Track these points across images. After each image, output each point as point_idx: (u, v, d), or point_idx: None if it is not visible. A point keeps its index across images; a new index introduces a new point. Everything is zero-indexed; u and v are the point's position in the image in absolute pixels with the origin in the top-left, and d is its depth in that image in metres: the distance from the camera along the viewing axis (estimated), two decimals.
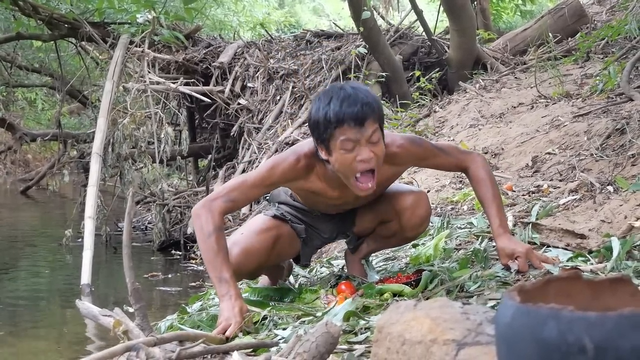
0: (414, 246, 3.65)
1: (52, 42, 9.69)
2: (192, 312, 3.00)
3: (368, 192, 2.73)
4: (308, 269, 3.68)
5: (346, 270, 3.40)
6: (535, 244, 3.14)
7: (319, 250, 3.64)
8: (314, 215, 3.24)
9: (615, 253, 2.64)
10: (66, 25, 8.85)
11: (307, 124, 3.27)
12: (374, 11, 8.79)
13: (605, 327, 1.12)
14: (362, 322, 2.46)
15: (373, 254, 3.52)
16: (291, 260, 3.40)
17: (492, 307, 2.31)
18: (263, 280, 3.44)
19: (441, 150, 3.02)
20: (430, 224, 4.13)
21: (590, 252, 2.86)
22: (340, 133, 2.61)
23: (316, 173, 2.86)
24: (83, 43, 9.50)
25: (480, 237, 3.45)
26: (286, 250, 3.20)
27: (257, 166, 7.46)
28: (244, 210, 7.10)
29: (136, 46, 7.97)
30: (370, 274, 3.26)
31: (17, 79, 14.09)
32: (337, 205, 3.07)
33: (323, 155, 2.72)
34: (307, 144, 2.89)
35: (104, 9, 8.53)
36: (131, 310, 2.50)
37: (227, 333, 2.50)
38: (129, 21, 8.39)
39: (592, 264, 2.71)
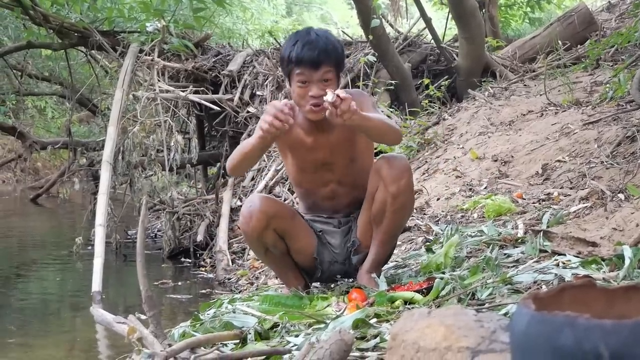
0: (428, 250, 3.66)
1: (62, 50, 9.72)
2: (205, 319, 3.01)
3: (318, 115, 3.14)
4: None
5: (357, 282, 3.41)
6: (547, 252, 3.15)
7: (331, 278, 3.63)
8: (321, 223, 3.48)
9: (627, 261, 2.64)
10: (76, 34, 8.86)
11: None
12: (383, 19, 8.80)
13: (621, 334, 1.12)
14: (371, 329, 2.47)
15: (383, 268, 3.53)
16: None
17: (505, 314, 2.31)
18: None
19: None
20: (441, 231, 4.15)
21: (602, 260, 2.85)
22: (298, 71, 3.13)
23: (295, 121, 3.20)
24: (93, 52, 9.52)
25: (491, 245, 3.45)
26: (304, 237, 3.41)
27: (266, 173, 7.52)
28: None
29: (146, 55, 7.99)
30: (381, 284, 3.27)
31: (27, 88, 14.16)
32: (319, 161, 3.35)
33: (288, 85, 3.27)
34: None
35: (114, 18, 8.56)
36: (144, 317, 2.52)
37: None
38: (139, 30, 8.40)
39: (604, 272, 2.71)
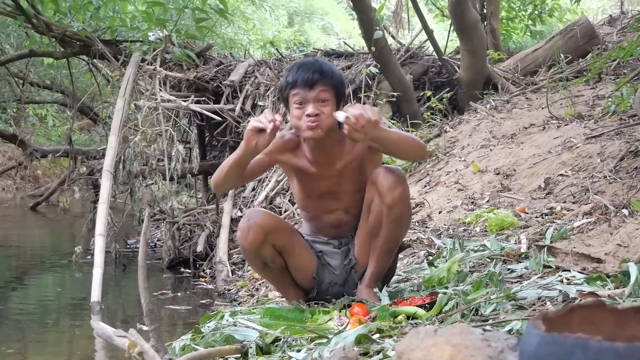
0: (430, 264, 3.62)
1: (64, 59, 9.72)
2: (206, 332, 2.98)
3: (315, 133, 3.13)
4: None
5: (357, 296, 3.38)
6: (550, 267, 3.12)
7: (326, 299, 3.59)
8: (322, 244, 3.50)
9: (632, 278, 2.61)
10: (78, 43, 8.87)
11: None
12: (385, 31, 8.79)
13: (633, 357, 1.10)
14: (374, 345, 2.44)
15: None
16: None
17: (509, 331, 2.29)
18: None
19: None
20: (443, 244, 4.12)
21: (607, 276, 2.83)
22: (294, 92, 3.17)
23: (301, 150, 3.34)
24: (95, 60, 9.53)
25: (495, 260, 3.43)
26: (303, 255, 3.42)
27: (267, 184, 7.51)
28: None
29: (148, 64, 7.98)
30: (383, 298, 3.24)
31: (29, 96, 14.15)
32: (324, 190, 3.36)
33: (288, 117, 3.33)
34: None
35: (116, 27, 8.56)
36: (145, 328, 2.49)
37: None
38: (141, 39, 8.41)
39: (609, 288, 2.69)
